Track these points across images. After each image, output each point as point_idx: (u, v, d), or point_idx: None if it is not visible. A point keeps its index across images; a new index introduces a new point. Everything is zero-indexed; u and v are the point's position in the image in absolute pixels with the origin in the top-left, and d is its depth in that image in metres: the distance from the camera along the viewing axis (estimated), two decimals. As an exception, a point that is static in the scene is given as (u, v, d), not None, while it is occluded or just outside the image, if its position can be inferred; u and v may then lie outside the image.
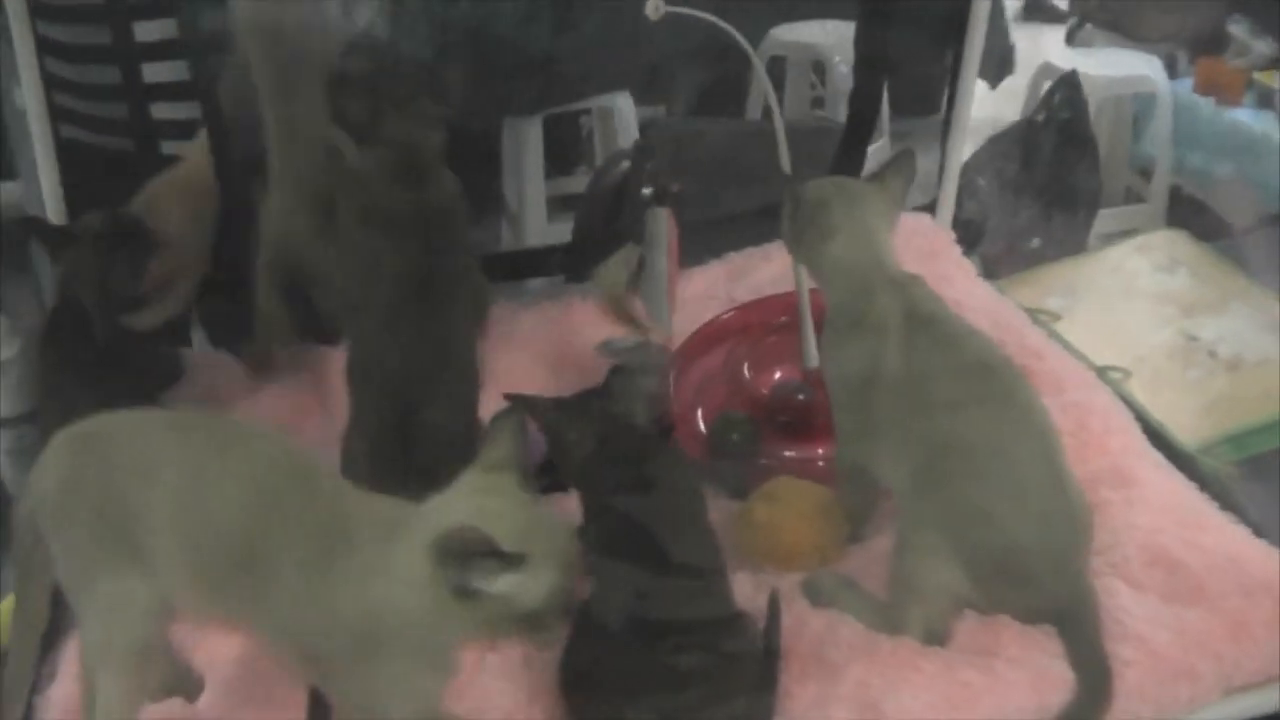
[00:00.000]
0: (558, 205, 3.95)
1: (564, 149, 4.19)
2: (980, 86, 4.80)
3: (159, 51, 1.92)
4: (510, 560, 1.07)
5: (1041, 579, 1.36)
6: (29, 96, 1.82)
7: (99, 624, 1.24)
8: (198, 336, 2.11)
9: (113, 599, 1.23)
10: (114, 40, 1.93)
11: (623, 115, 4.03)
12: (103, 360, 1.75)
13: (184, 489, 1.19)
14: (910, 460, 1.39)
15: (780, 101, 4.57)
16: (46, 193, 1.88)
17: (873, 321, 1.44)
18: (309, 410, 1.82)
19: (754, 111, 4.52)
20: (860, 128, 2.22)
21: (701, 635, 1.28)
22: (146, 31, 1.92)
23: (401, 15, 3.62)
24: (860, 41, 2.25)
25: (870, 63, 2.25)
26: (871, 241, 1.48)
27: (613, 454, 1.41)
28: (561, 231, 3.18)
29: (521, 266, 2.35)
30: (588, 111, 4.21)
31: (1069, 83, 3.44)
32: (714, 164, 2.26)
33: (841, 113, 4.34)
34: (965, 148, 2.41)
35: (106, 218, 1.76)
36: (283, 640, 1.22)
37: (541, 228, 3.89)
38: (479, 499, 1.15)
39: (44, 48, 1.82)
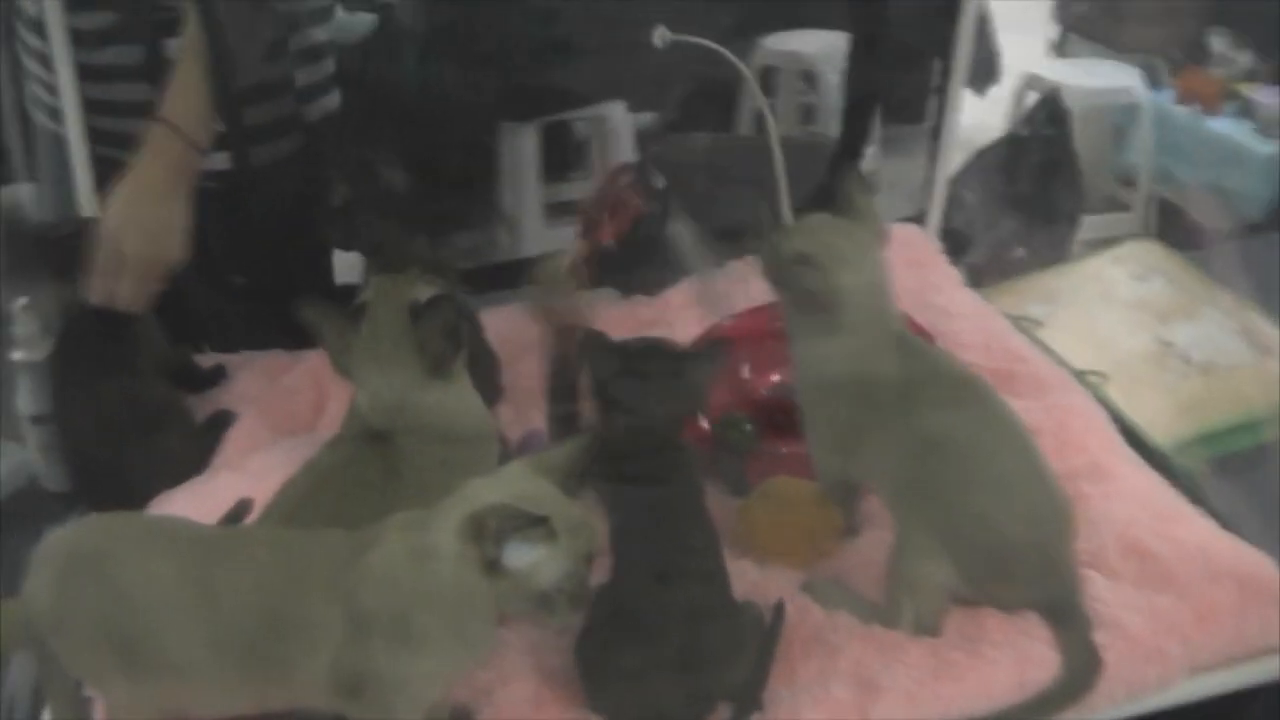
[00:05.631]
0: (554, 211, 4.03)
1: (560, 156, 4.27)
2: (967, 95, 4.92)
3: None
4: (539, 529, 1.15)
5: (1032, 572, 1.46)
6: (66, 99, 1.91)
7: (114, 708, 1.31)
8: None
9: (122, 699, 1.29)
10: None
11: (617, 123, 4.11)
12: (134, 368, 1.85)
13: (186, 597, 1.23)
14: (899, 467, 1.49)
15: (772, 109, 4.66)
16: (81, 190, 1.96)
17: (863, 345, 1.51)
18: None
19: (744, 118, 4.61)
20: (853, 142, 2.31)
21: (711, 620, 1.38)
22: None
23: (399, 20, 3.73)
24: (853, 56, 2.34)
25: (862, 78, 2.34)
26: (881, 303, 1.52)
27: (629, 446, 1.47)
28: (558, 237, 3.27)
29: (519, 274, 2.42)
30: (584, 119, 4.28)
31: (1052, 99, 3.54)
32: (713, 176, 2.35)
33: (832, 122, 4.45)
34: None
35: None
36: (320, 690, 1.25)
37: (539, 234, 3.97)
38: (511, 484, 1.22)
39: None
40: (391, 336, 1.42)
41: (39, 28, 2.01)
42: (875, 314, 1.51)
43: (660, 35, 1.83)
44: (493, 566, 1.17)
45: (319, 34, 2.18)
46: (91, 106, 2.03)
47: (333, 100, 2.25)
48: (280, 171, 2.12)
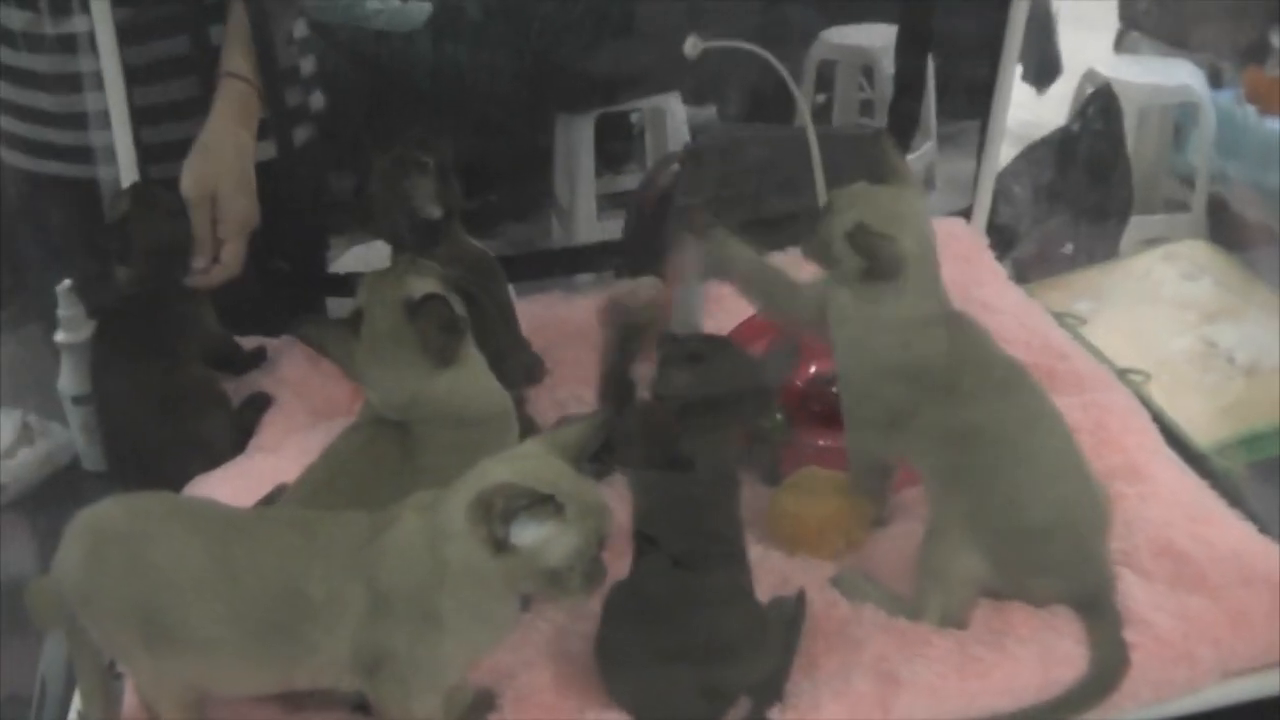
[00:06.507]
0: (607, 203, 4.04)
1: (615, 148, 4.27)
2: (1028, 91, 4.88)
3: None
4: (546, 506, 1.15)
5: (1065, 561, 1.46)
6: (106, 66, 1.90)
7: (142, 685, 1.34)
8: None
9: (149, 675, 1.31)
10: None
11: (673, 116, 4.11)
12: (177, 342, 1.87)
13: (211, 576, 1.25)
14: (939, 449, 1.48)
15: (830, 103, 4.63)
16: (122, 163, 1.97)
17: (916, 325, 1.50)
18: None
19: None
20: (899, 133, 2.29)
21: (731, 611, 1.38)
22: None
23: (456, 10, 3.75)
24: (899, 47, 2.33)
25: (908, 69, 2.33)
26: (933, 271, 1.51)
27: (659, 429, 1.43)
28: (610, 228, 3.27)
29: (571, 262, 2.44)
30: (639, 111, 4.29)
31: (1104, 94, 3.51)
32: (759, 168, 2.35)
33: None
34: (1007, 152, 2.48)
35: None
36: (341, 669, 1.26)
37: (591, 224, 3.98)
38: (521, 463, 1.22)
39: None
40: (391, 335, 1.41)
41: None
42: (930, 282, 1.50)
43: (692, 44, 1.82)
44: (501, 545, 1.17)
45: (297, 29, 2.19)
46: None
47: (317, 99, 2.28)
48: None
